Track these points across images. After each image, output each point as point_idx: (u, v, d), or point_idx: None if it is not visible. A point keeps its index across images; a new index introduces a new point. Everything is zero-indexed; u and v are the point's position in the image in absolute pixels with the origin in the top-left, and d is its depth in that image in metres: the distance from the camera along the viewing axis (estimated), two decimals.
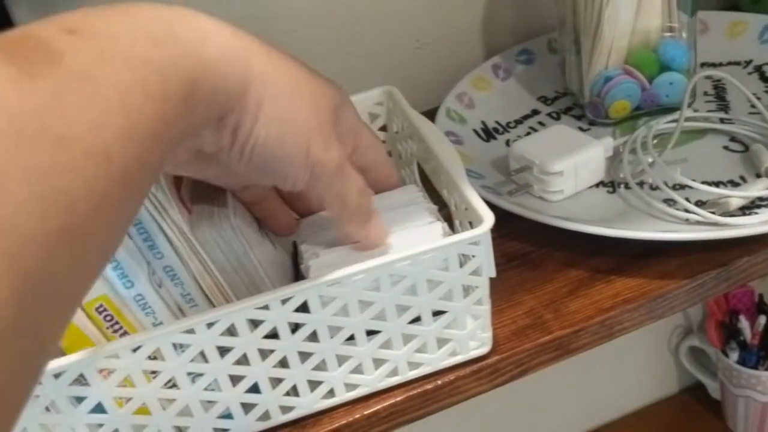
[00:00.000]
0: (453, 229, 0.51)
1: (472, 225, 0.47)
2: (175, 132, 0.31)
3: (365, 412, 0.48)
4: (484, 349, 0.49)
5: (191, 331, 0.42)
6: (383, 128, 0.60)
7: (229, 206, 0.45)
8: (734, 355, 1.11)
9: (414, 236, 0.46)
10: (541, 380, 1.13)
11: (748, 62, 0.75)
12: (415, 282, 0.44)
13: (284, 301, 0.42)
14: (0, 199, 0.22)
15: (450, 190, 0.51)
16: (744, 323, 1.11)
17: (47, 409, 0.42)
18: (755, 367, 1.10)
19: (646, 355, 1.22)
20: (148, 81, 0.28)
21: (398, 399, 0.48)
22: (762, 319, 1.09)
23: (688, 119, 0.66)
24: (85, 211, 0.25)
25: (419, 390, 0.49)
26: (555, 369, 1.14)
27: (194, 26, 0.32)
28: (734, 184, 0.59)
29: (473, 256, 0.45)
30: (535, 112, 0.74)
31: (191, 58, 0.31)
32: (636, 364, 1.22)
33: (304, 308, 0.43)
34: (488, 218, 0.44)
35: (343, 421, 0.48)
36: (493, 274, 0.46)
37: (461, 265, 0.45)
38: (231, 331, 0.43)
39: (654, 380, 1.26)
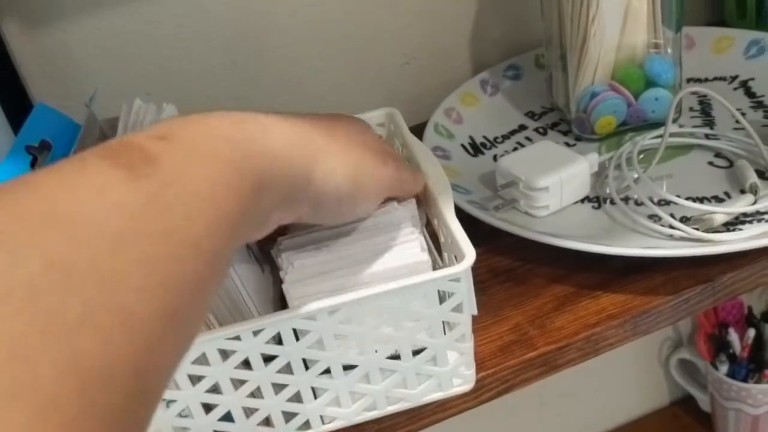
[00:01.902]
0: (443, 260, 0.51)
1: (456, 259, 0.45)
2: (250, 221, 0.34)
3: (350, 430, 0.48)
4: (467, 387, 0.48)
5: None
6: None
7: None
8: (724, 368, 1.11)
9: (391, 255, 0.45)
10: (530, 393, 1.13)
11: (734, 77, 0.75)
12: (392, 316, 0.43)
13: (256, 333, 0.42)
14: (120, 287, 0.25)
15: (438, 221, 0.50)
16: (733, 336, 1.11)
17: None
18: (745, 380, 1.10)
19: (636, 367, 1.23)
20: (229, 177, 0.32)
21: (383, 416, 0.48)
22: (751, 332, 1.10)
23: (673, 135, 0.66)
24: (183, 297, 0.28)
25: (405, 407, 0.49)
26: (544, 382, 1.15)
27: (257, 124, 0.36)
28: (719, 200, 0.60)
29: (454, 293, 0.44)
30: (523, 128, 0.74)
31: (259, 151, 0.34)
32: (626, 376, 1.22)
33: (279, 338, 0.42)
34: (469, 254, 0.43)
35: None
36: (475, 312, 0.45)
37: (442, 301, 0.44)
38: (204, 360, 0.42)
39: (644, 393, 1.26)
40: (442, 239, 0.50)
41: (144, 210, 0.27)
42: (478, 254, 0.59)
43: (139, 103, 0.48)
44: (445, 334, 0.45)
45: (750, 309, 1.14)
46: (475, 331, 0.50)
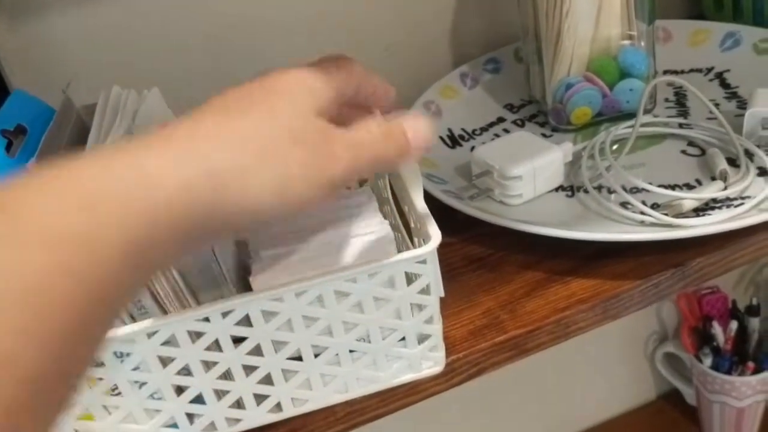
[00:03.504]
0: (414, 245, 0.52)
1: (424, 242, 0.46)
2: (119, 294, 0.28)
3: (323, 412, 0.49)
4: (437, 369, 0.49)
5: (132, 341, 0.42)
6: None
7: None
8: (708, 361, 1.12)
9: (360, 244, 0.46)
10: (515, 388, 1.14)
11: (710, 69, 0.76)
12: (360, 299, 0.44)
13: (225, 314, 0.42)
14: None
15: (409, 208, 0.51)
16: (717, 329, 1.12)
17: None
18: (728, 373, 1.11)
19: (623, 362, 1.23)
20: (71, 260, 0.26)
21: (355, 398, 0.49)
22: (734, 324, 1.10)
23: (647, 125, 0.67)
24: None
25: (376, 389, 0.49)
26: (530, 376, 1.15)
27: (137, 172, 0.29)
28: (690, 187, 0.60)
29: (420, 275, 0.44)
30: (501, 120, 0.75)
31: (135, 208, 0.28)
32: (612, 371, 1.23)
33: (249, 320, 0.43)
34: (435, 236, 0.44)
35: (301, 422, 0.49)
36: (442, 294, 0.46)
37: (409, 284, 0.45)
38: (174, 341, 0.43)
39: (630, 387, 1.26)
40: (412, 224, 0.51)
41: None
42: (453, 243, 0.60)
43: (118, 90, 0.49)
44: (413, 316, 0.46)
45: (734, 303, 1.15)
46: (446, 316, 0.51)
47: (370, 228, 0.48)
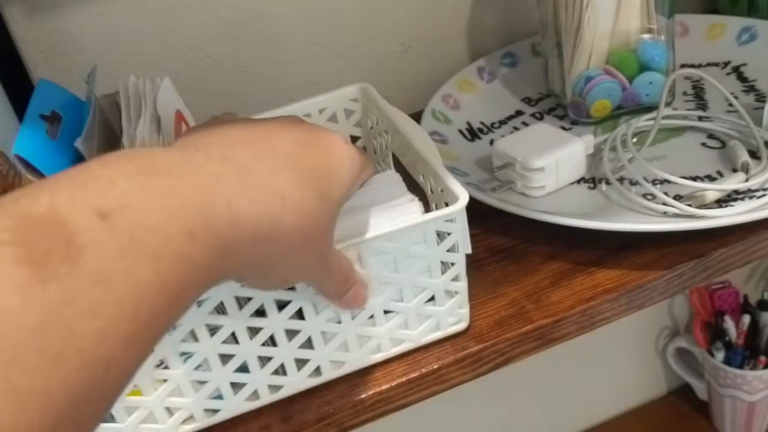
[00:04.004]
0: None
1: (447, 205, 0.48)
2: (187, 306, 0.30)
3: (351, 400, 0.49)
4: (462, 325, 0.51)
5: None
6: (358, 124, 0.62)
7: None
8: (720, 356, 1.12)
9: (394, 215, 0.47)
10: (528, 383, 1.15)
11: (727, 63, 0.77)
12: (394, 258, 0.46)
13: None
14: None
15: (426, 175, 0.52)
16: (729, 323, 1.12)
17: None
18: (741, 367, 1.11)
19: (634, 357, 1.24)
20: (169, 280, 0.27)
21: (383, 387, 0.49)
22: (746, 318, 1.11)
23: (667, 117, 0.67)
24: (75, 413, 0.24)
25: (404, 378, 0.50)
26: (542, 371, 1.16)
27: (231, 211, 0.30)
28: (711, 179, 0.61)
29: (449, 234, 0.47)
30: (519, 113, 0.75)
31: (223, 251, 0.30)
32: (624, 366, 1.24)
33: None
34: (463, 196, 0.46)
35: (330, 409, 0.49)
36: (469, 251, 0.48)
37: (438, 243, 0.47)
38: (221, 309, 0.44)
39: (642, 382, 1.27)
40: (429, 193, 0.52)
41: (36, 331, 0.23)
42: (477, 234, 0.60)
43: (134, 79, 0.49)
44: (442, 274, 0.48)
45: (746, 297, 1.15)
46: (472, 306, 0.52)
47: (400, 206, 0.48)
